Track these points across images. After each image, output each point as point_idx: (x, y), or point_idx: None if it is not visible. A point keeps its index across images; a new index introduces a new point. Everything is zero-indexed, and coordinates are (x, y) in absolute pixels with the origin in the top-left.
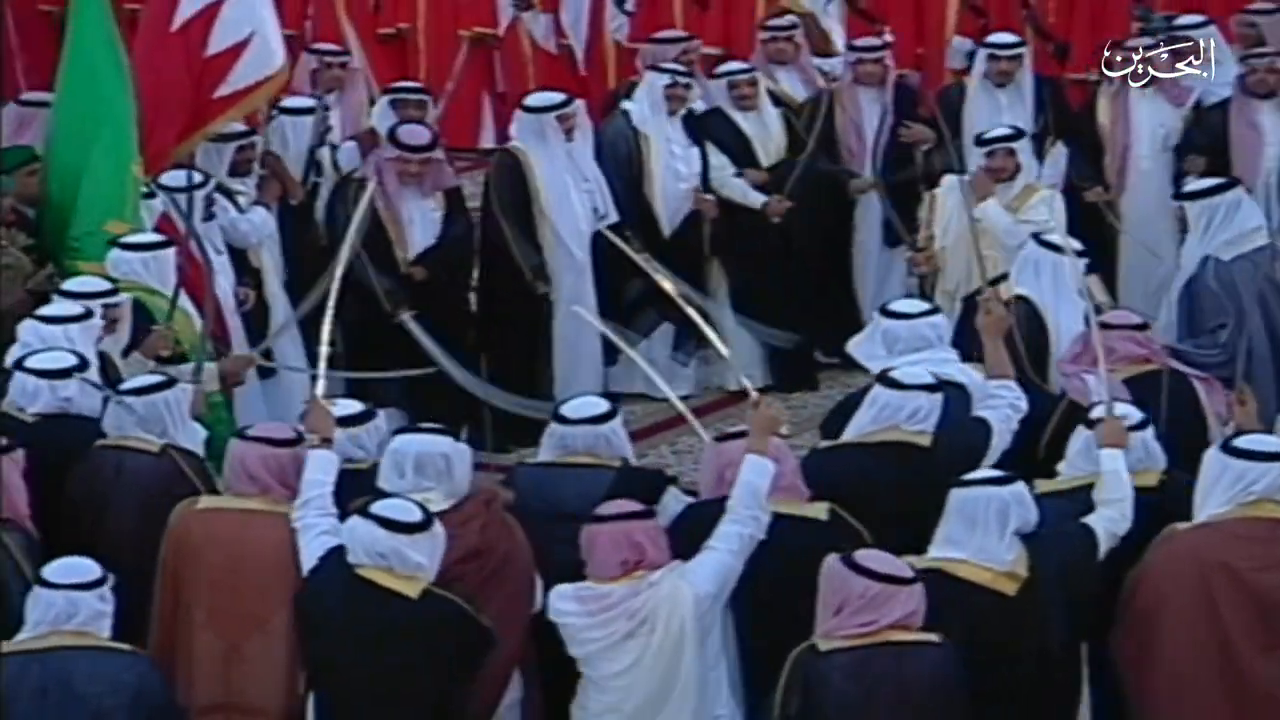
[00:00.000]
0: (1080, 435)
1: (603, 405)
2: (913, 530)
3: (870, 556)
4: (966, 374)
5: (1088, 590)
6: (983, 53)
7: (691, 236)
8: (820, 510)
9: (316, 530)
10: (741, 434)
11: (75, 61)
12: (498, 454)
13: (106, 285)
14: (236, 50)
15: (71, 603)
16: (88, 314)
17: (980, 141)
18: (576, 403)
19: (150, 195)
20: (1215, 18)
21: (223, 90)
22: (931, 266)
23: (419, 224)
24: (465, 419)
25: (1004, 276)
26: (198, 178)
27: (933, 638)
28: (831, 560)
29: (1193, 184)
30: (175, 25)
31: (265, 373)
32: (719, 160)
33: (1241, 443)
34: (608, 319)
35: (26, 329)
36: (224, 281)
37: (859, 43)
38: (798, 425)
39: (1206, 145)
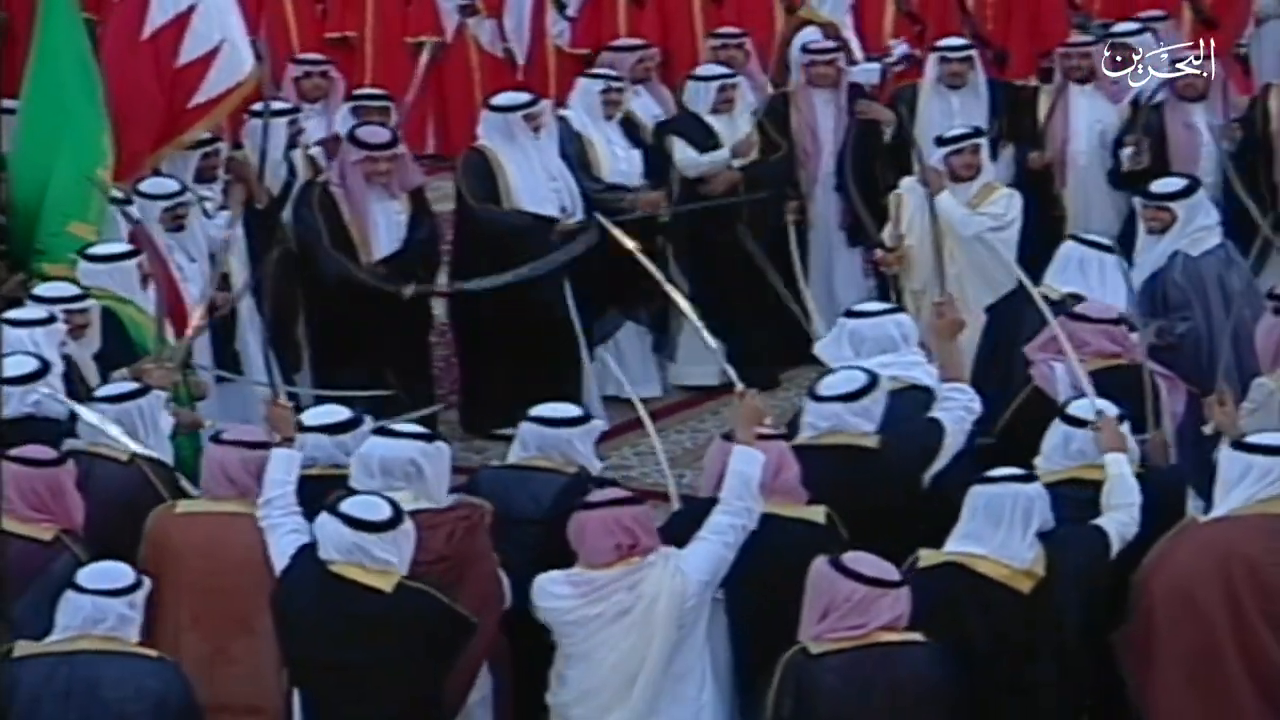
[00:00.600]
0: (1057, 429)
1: (569, 412)
2: (863, 530)
3: (858, 559)
4: (932, 376)
5: (1100, 591)
6: (933, 56)
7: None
8: (818, 513)
9: (284, 529)
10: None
11: (41, 68)
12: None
13: (76, 290)
14: (208, 59)
15: (99, 608)
16: (51, 318)
17: (943, 141)
18: (549, 405)
19: (127, 202)
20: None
21: (197, 99)
22: (901, 265)
23: (384, 226)
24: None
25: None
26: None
27: (918, 637)
28: (819, 563)
29: (1161, 185)
30: (145, 34)
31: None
32: (682, 149)
33: (1258, 440)
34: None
35: None
36: (194, 289)
37: (811, 45)
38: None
39: (1150, 138)
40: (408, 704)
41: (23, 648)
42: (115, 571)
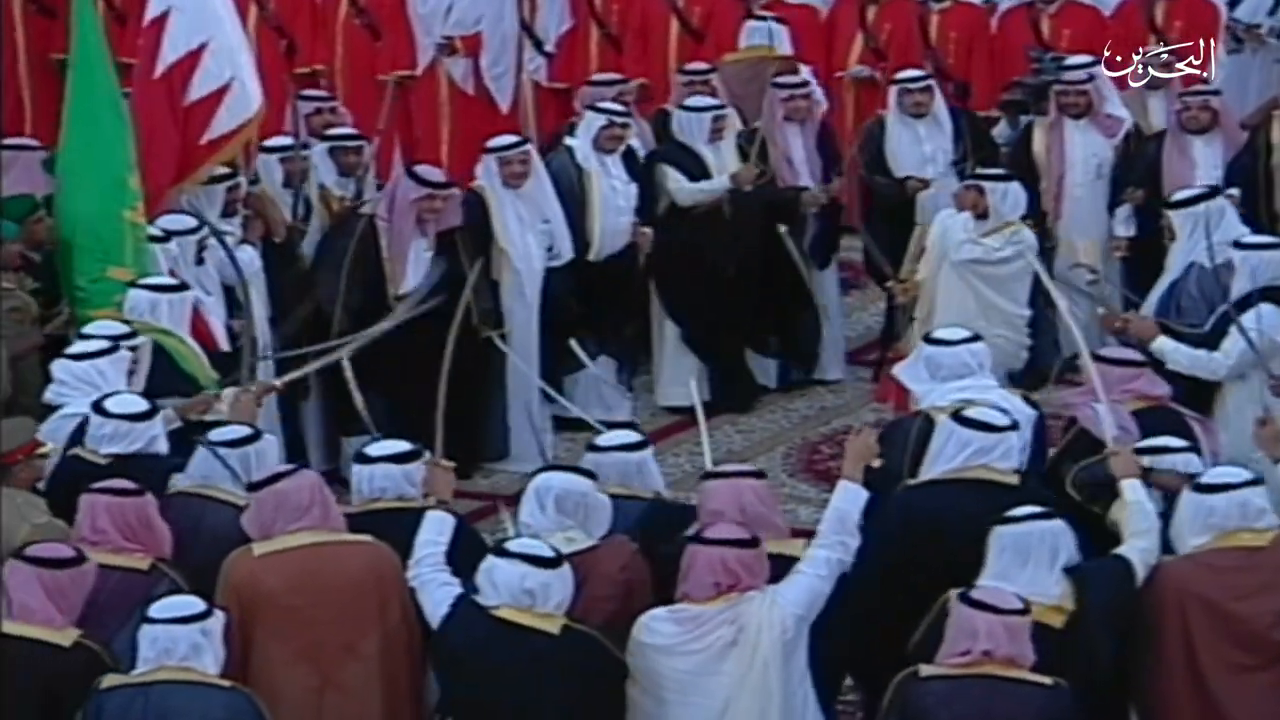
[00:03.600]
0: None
1: (634, 436)
2: None
3: (984, 589)
4: (1008, 400)
5: (1129, 621)
6: (894, 89)
7: (626, 266)
8: (797, 547)
9: (437, 583)
10: (723, 474)
11: (78, 108)
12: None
13: (125, 329)
14: (218, 95)
15: (171, 637)
16: (114, 347)
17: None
18: (611, 434)
19: (164, 239)
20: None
21: (209, 135)
22: (910, 296)
23: (413, 262)
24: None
25: None
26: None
27: (1043, 680)
28: (952, 592)
29: (1180, 193)
30: (157, 73)
31: None
32: (676, 178)
33: (1208, 479)
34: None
35: (58, 368)
36: (216, 321)
37: (783, 80)
38: (749, 448)
39: (1142, 173)
40: None
41: (109, 680)
42: (183, 602)
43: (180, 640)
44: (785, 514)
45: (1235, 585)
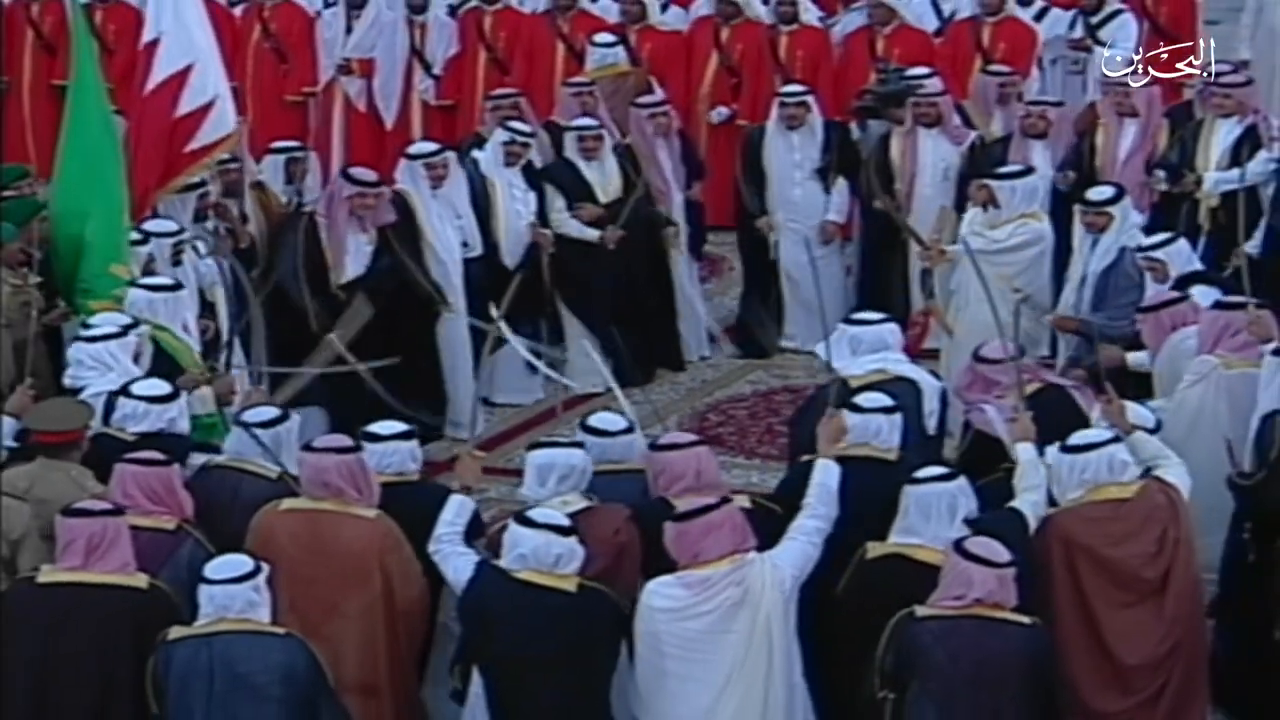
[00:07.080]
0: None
1: (622, 422)
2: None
3: (974, 541)
4: (917, 372)
5: (1024, 569)
6: (776, 101)
7: (531, 265)
8: (743, 501)
9: (457, 554)
10: (671, 446)
11: (78, 124)
12: None
13: (128, 320)
14: (204, 111)
15: (228, 595)
16: (123, 332)
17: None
18: (602, 418)
19: (142, 242)
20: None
21: (192, 145)
22: (936, 263)
23: (353, 254)
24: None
25: None
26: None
27: (1021, 619)
28: (951, 547)
29: (1096, 193)
30: (148, 89)
31: None
32: (558, 203)
33: (1074, 440)
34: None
35: (77, 350)
36: (190, 316)
37: (643, 100)
38: (644, 419)
39: (989, 171)
40: (583, 688)
41: (176, 631)
42: (235, 562)
43: (237, 597)
44: None
45: (1110, 533)
